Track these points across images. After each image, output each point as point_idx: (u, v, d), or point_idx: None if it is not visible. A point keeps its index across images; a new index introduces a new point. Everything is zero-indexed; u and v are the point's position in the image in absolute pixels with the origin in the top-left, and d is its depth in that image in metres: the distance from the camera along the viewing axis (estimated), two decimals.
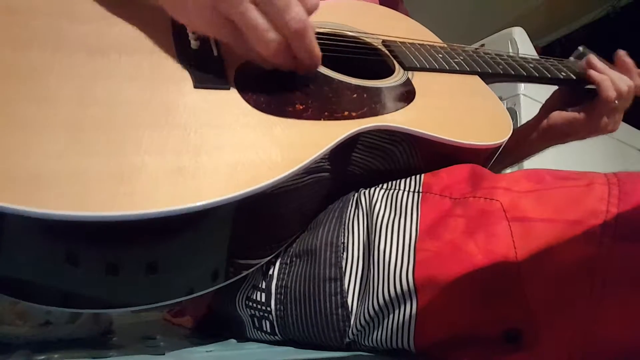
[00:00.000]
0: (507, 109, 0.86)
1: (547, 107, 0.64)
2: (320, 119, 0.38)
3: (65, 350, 0.36)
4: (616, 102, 0.58)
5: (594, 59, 0.61)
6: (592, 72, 0.60)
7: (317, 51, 0.38)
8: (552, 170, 0.36)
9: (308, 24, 0.36)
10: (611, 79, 0.58)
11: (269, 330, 0.41)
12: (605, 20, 2.16)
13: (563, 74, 0.59)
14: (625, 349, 0.28)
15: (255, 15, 0.34)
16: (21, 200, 0.26)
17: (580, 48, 0.66)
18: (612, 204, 0.30)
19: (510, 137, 0.46)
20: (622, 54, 0.63)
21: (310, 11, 0.36)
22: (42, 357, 0.34)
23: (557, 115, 0.62)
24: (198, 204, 0.29)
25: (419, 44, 0.55)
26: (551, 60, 0.62)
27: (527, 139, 0.64)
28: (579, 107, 0.61)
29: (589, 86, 0.61)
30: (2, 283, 0.30)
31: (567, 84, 0.62)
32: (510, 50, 1.23)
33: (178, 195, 0.29)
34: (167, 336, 0.46)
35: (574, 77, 0.60)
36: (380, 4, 0.66)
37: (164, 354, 0.36)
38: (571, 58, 0.66)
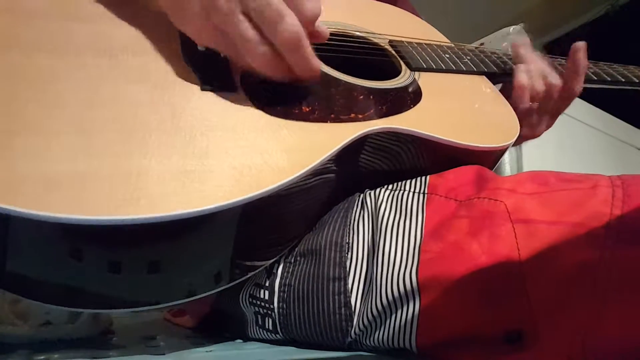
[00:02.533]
0: None
1: None
2: (326, 121, 0.38)
3: (65, 350, 0.36)
4: (530, 104, 0.51)
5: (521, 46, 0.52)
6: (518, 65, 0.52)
7: (315, 63, 0.37)
8: (556, 173, 0.36)
9: (302, 35, 0.34)
10: (531, 74, 0.51)
11: (271, 328, 0.41)
12: (605, 19, 2.16)
13: None
14: (626, 350, 0.28)
15: (245, 27, 0.34)
16: (30, 204, 0.26)
17: (518, 27, 0.59)
18: (616, 206, 0.30)
19: None
20: (577, 49, 0.53)
21: (309, 20, 0.35)
22: (42, 357, 0.34)
23: None
24: (204, 208, 0.29)
25: (425, 44, 0.54)
26: (558, 59, 0.59)
27: None
28: None
29: None
30: (7, 280, 0.30)
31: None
32: (510, 50, 1.23)
33: (184, 199, 0.29)
34: (168, 336, 0.46)
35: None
36: (383, 1, 0.65)
37: (164, 354, 0.36)
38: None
